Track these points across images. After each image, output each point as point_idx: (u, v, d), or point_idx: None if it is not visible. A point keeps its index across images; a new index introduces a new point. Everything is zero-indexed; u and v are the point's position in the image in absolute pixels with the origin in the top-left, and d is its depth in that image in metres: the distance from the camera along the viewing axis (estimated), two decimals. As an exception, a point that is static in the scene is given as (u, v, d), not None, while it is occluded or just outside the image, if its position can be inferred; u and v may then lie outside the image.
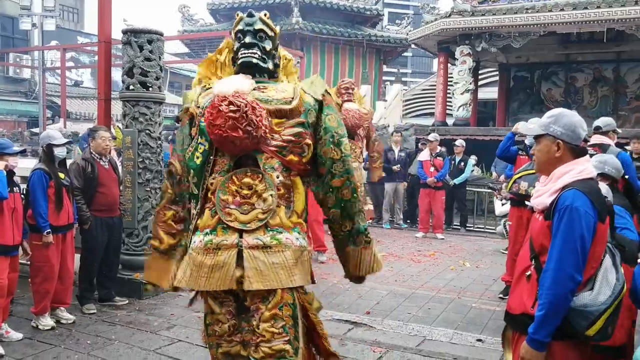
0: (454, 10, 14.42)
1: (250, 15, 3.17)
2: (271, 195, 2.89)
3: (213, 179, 2.99)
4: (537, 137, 2.52)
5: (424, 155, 10.50)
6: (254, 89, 3.03)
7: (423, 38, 16.01)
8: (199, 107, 3.06)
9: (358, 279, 3.26)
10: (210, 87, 3.13)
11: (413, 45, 19.17)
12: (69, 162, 5.47)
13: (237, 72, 3.17)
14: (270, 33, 3.21)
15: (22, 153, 4.64)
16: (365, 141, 9.32)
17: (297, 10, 17.80)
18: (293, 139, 2.96)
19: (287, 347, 2.86)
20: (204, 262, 2.90)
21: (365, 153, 9.49)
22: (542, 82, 17.92)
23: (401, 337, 4.95)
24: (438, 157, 10.40)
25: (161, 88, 6.19)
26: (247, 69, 3.12)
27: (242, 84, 3.01)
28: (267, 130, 2.87)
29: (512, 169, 6.87)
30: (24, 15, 20.94)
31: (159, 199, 6.14)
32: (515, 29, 13.98)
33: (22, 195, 4.96)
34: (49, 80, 21.94)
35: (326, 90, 3.17)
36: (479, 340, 4.91)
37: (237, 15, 3.21)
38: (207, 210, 2.98)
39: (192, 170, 3.06)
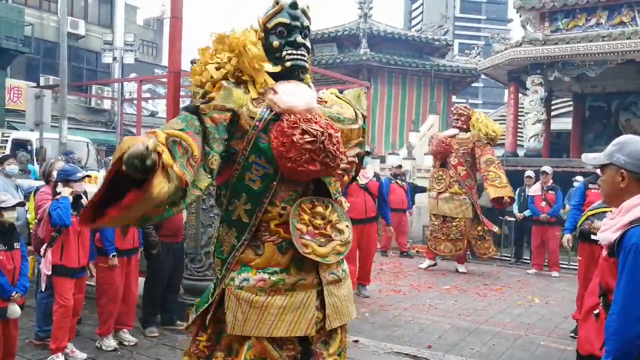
0: (525, 40, 14.11)
1: (295, 6, 2.69)
2: (347, 226, 2.62)
3: (274, 206, 2.56)
4: (602, 167, 2.39)
5: (535, 190, 10.06)
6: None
7: (493, 68, 15.74)
8: (253, 117, 2.55)
9: None
10: (262, 91, 2.62)
11: (483, 76, 18.90)
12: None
13: (283, 74, 2.69)
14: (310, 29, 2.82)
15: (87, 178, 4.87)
16: (458, 169, 9.24)
17: (365, 42, 17.96)
18: (355, 159, 2.77)
19: None
20: (270, 303, 2.51)
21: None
22: (620, 112, 17.18)
23: (463, 374, 4.77)
24: (550, 191, 9.89)
25: (227, 116, 6.29)
26: (293, 72, 2.71)
27: (310, 96, 2.64)
28: (343, 158, 2.59)
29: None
30: (106, 49, 22.18)
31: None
32: (591, 58, 13.49)
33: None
34: (127, 111, 22.96)
35: None
36: (547, 380, 4.66)
37: (276, 2, 2.71)
38: (271, 245, 2.57)
39: (244, 195, 2.57)
